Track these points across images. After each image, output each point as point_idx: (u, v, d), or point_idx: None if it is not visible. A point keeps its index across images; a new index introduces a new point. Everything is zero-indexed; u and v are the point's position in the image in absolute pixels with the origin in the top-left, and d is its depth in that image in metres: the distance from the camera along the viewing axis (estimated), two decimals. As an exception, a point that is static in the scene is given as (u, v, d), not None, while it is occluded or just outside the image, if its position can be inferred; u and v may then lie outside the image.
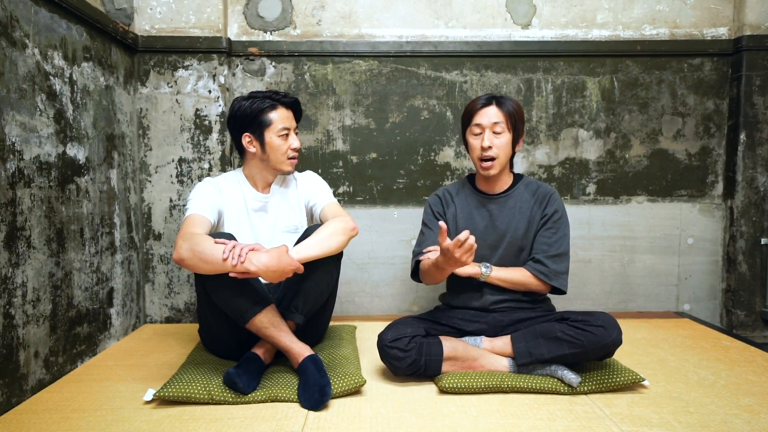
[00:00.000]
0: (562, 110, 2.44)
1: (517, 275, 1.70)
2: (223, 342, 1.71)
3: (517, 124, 1.70)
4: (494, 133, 1.68)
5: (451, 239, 1.75)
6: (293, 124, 1.77)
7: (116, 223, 2.04)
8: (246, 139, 1.74)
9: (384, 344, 1.57)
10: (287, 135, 1.74)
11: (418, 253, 1.77)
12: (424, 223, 1.84)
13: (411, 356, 1.55)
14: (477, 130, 1.71)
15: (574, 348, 1.50)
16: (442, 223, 1.48)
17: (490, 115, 1.69)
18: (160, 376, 1.66)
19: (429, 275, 1.71)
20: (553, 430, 1.31)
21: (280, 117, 1.72)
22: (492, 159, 1.68)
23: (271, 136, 1.72)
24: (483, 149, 1.68)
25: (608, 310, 2.48)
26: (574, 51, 2.40)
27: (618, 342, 1.51)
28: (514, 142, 1.73)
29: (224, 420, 1.36)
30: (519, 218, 1.73)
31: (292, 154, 1.76)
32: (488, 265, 1.71)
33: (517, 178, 1.81)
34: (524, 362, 1.56)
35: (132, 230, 2.18)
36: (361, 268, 2.46)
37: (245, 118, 1.72)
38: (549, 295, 1.83)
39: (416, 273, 1.79)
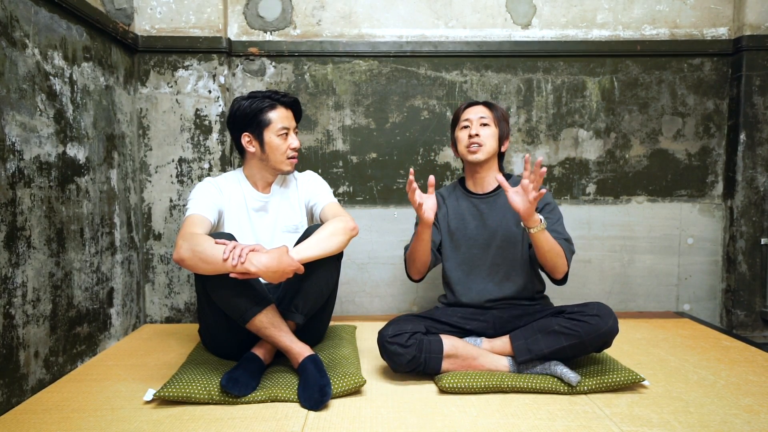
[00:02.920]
0: (562, 110, 2.44)
1: (557, 245, 1.62)
2: (223, 342, 1.71)
3: (501, 122, 1.79)
4: (481, 125, 1.77)
5: (444, 240, 1.83)
6: (293, 123, 1.77)
7: (116, 223, 2.04)
8: (245, 138, 1.74)
9: (384, 340, 1.58)
10: (286, 134, 1.74)
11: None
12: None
13: (411, 352, 1.55)
14: (465, 124, 1.80)
15: (572, 339, 1.51)
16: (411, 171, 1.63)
17: (477, 111, 1.79)
18: (160, 376, 1.66)
19: (413, 253, 1.76)
20: (553, 430, 1.31)
21: (279, 116, 1.72)
22: (480, 144, 1.75)
23: (270, 135, 1.72)
24: (470, 137, 1.76)
25: (608, 310, 2.48)
26: (574, 51, 2.40)
27: (614, 330, 1.52)
28: (501, 139, 1.80)
29: (224, 420, 1.36)
30: (509, 216, 1.76)
31: (291, 153, 1.76)
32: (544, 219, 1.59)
33: (506, 177, 1.83)
34: (524, 359, 1.56)
35: (132, 230, 2.18)
36: (361, 268, 2.46)
37: (244, 118, 1.72)
38: (547, 293, 1.83)
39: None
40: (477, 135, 1.75)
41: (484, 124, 1.77)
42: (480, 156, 1.75)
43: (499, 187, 1.81)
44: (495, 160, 1.82)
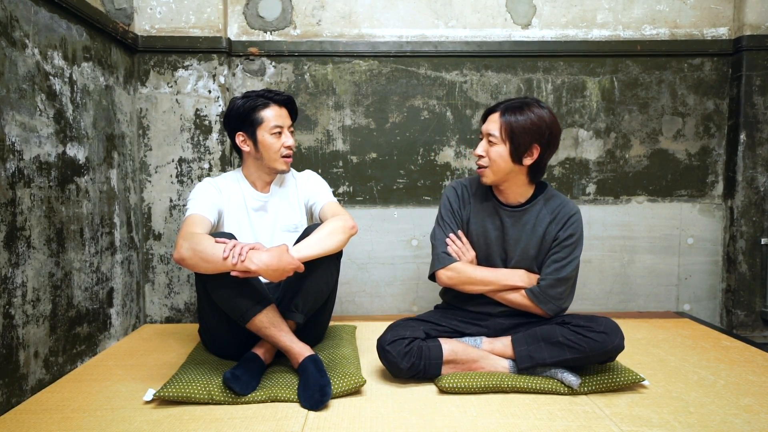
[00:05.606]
0: (562, 110, 2.44)
1: (515, 296, 1.66)
2: (223, 342, 1.71)
3: (515, 136, 1.56)
4: (489, 142, 1.61)
5: (462, 242, 1.73)
6: (287, 122, 1.77)
7: (116, 223, 2.04)
8: (239, 138, 1.75)
9: (383, 347, 1.57)
10: (280, 133, 1.74)
11: (443, 253, 1.69)
12: (441, 217, 1.75)
13: (410, 360, 1.54)
14: (480, 136, 1.66)
15: (576, 353, 1.50)
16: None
17: (491, 123, 1.61)
18: (160, 376, 1.65)
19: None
20: (553, 430, 1.31)
21: (273, 115, 1.72)
22: (484, 167, 1.63)
23: (263, 134, 1.72)
24: (476, 156, 1.65)
25: (608, 310, 2.48)
26: (574, 51, 2.40)
27: (620, 348, 1.50)
28: (518, 155, 1.58)
29: (224, 420, 1.36)
30: (531, 236, 1.65)
31: (285, 152, 1.75)
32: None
33: (540, 189, 1.69)
34: (525, 366, 1.55)
35: (132, 230, 2.18)
36: (361, 268, 2.46)
37: (238, 117, 1.72)
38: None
39: (434, 276, 1.72)
40: (481, 156, 1.62)
41: (492, 143, 1.59)
42: (485, 180, 1.64)
43: (527, 201, 1.67)
44: (520, 175, 1.63)
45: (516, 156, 1.58)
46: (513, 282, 1.65)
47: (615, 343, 1.49)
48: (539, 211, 1.66)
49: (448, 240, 1.72)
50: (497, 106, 1.62)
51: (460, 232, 1.72)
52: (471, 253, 1.71)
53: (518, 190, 1.66)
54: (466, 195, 1.75)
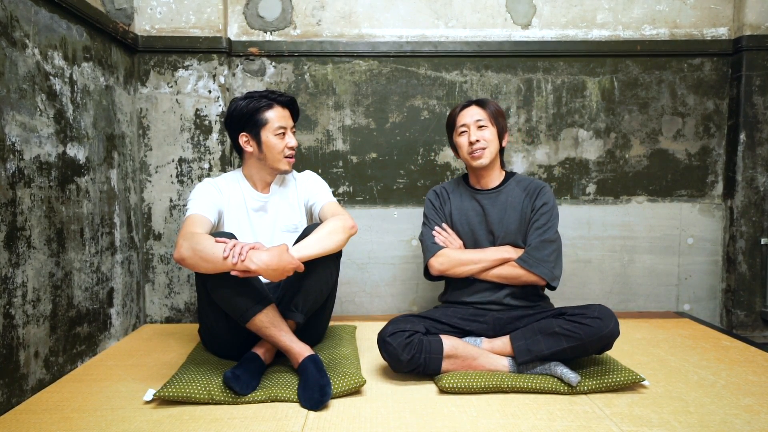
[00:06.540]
0: (562, 110, 2.44)
1: (507, 269, 1.74)
2: (223, 342, 1.71)
3: (498, 119, 1.80)
4: (479, 128, 1.77)
5: (448, 233, 1.86)
6: (290, 123, 1.77)
7: (116, 223, 2.04)
8: (243, 138, 1.75)
9: (383, 339, 1.58)
10: (284, 134, 1.74)
11: (432, 243, 1.82)
12: (426, 217, 1.89)
13: (410, 352, 1.55)
14: (462, 129, 1.80)
15: (573, 342, 1.51)
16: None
17: (472, 113, 1.79)
18: (160, 376, 1.66)
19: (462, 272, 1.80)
20: (553, 430, 1.31)
21: (276, 116, 1.72)
22: (482, 149, 1.76)
23: (267, 135, 1.72)
24: (471, 144, 1.77)
25: (608, 310, 2.48)
26: (574, 51, 2.40)
27: (615, 333, 1.52)
28: (500, 136, 1.81)
29: (224, 420, 1.36)
30: (511, 213, 1.78)
31: (288, 152, 1.76)
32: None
33: (509, 175, 1.86)
34: (524, 360, 1.56)
35: (132, 230, 2.18)
36: (361, 268, 2.46)
37: (241, 118, 1.72)
38: (547, 294, 1.84)
39: (428, 272, 1.84)
40: (477, 140, 1.76)
41: (482, 126, 1.77)
42: (485, 161, 1.77)
43: (502, 183, 1.83)
44: (497, 158, 1.83)
45: (500, 137, 1.81)
46: (501, 255, 1.75)
47: (610, 327, 1.51)
48: (513, 190, 1.82)
49: (434, 232, 1.84)
50: (468, 103, 1.83)
51: (444, 225, 1.85)
52: (458, 242, 1.83)
53: (495, 174, 1.85)
54: (445, 194, 1.91)
